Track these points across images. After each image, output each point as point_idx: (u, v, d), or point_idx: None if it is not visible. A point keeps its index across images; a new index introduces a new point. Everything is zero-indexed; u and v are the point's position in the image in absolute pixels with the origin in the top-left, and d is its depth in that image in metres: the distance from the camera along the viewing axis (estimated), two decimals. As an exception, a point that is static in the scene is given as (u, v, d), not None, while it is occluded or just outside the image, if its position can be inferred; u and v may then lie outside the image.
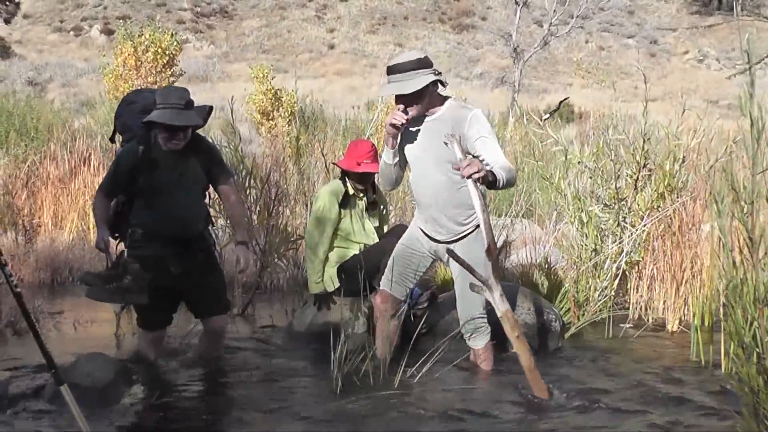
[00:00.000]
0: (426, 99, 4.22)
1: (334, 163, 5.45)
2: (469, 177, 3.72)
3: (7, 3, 47.09)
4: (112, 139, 4.66)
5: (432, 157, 4.26)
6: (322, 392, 4.17)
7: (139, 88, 13.05)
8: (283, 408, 4.01)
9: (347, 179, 5.26)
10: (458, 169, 3.79)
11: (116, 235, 4.48)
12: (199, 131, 4.55)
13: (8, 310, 5.28)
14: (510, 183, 4.01)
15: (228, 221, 4.56)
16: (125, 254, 4.40)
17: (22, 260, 7.16)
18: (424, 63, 4.18)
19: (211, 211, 5.07)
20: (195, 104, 4.33)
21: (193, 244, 4.40)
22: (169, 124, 4.11)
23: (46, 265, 7.21)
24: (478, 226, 4.42)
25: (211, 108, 4.44)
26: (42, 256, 7.31)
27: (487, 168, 3.82)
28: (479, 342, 4.48)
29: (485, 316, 4.43)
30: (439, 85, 4.25)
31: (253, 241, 4.86)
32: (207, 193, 4.64)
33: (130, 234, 4.41)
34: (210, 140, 4.56)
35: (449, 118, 4.22)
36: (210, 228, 4.68)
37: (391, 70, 4.20)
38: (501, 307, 3.96)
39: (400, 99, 4.19)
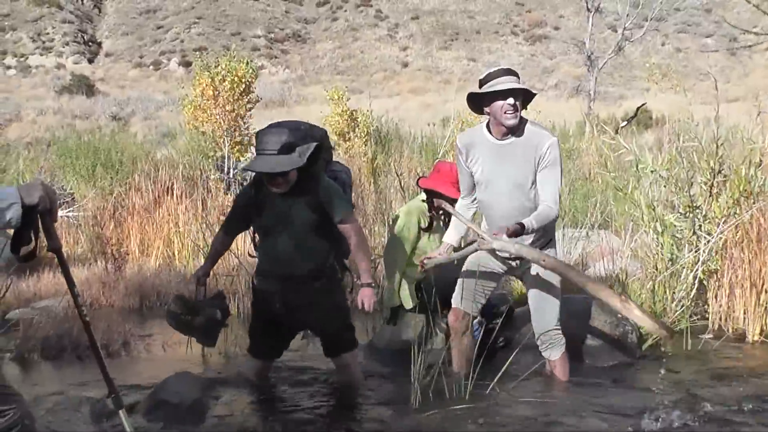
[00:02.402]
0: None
1: (421, 186, 5.40)
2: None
3: (90, 44, 48.98)
4: None
5: (504, 179, 4.30)
6: (401, 406, 4.25)
7: (217, 116, 13.47)
8: (364, 422, 4.14)
9: (429, 198, 5.27)
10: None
11: None
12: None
13: (100, 334, 5.54)
14: (543, 224, 4.20)
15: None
16: (220, 295, 4.66)
17: (112, 287, 7.46)
18: None
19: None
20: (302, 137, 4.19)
21: (302, 283, 4.35)
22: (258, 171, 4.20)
23: (134, 291, 7.47)
24: (550, 240, 4.49)
25: (317, 146, 4.23)
26: (131, 283, 7.60)
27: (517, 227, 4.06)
28: (554, 353, 4.51)
29: (559, 327, 4.47)
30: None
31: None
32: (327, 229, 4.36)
33: (256, 269, 4.57)
34: (325, 179, 4.37)
35: (527, 141, 4.25)
36: (335, 264, 4.53)
37: (510, 72, 4.26)
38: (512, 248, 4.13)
39: (510, 93, 4.17)
